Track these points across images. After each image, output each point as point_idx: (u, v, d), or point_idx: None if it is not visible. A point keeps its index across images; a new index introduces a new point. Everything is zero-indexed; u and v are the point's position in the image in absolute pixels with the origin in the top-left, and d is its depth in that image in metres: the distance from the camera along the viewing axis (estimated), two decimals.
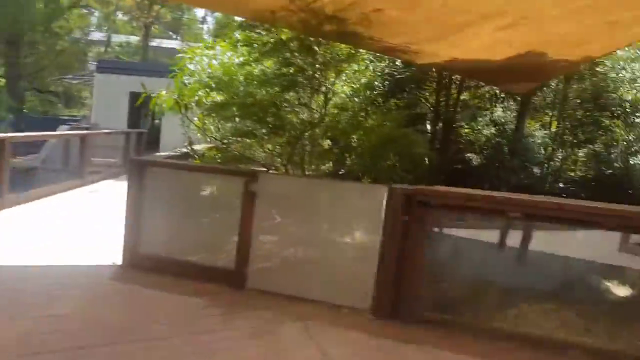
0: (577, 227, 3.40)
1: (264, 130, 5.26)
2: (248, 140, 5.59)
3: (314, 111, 5.64)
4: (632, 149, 11.11)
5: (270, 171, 5.32)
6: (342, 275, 3.91)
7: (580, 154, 15.13)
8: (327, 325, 3.59)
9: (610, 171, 13.06)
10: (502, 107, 12.08)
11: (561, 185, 14.00)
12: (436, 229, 4.90)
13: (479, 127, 11.66)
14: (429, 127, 10.77)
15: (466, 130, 11.72)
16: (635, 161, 9.99)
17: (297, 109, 5.31)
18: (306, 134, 5.85)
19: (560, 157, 14.79)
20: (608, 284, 4.70)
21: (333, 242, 4.03)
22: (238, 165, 5.37)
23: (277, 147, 5.84)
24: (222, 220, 4.49)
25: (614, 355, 3.33)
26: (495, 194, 3.65)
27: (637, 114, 10.76)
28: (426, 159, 10.42)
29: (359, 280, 3.83)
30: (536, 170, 13.42)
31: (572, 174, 14.84)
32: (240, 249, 4.22)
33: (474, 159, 11.43)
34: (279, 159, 6.11)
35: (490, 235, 5.18)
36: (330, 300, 3.91)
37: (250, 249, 4.17)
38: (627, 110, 11.68)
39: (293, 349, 3.21)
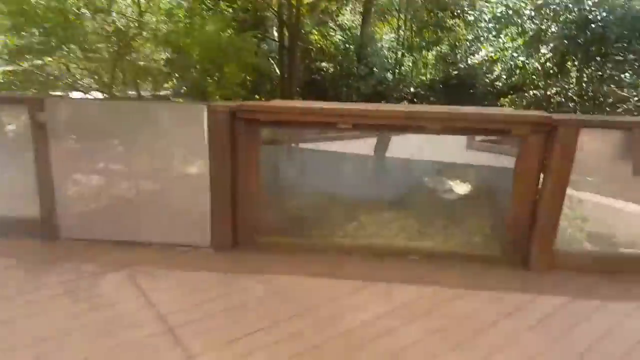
0: (404, 133, 3.37)
1: (62, 45, 4.31)
2: (46, 59, 4.58)
3: (130, 19, 4.78)
4: (472, 49, 11.93)
5: (74, 95, 4.46)
6: (174, 210, 3.51)
7: (429, 56, 16.01)
8: (159, 269, 3.23)
9: (455, 72, 14.06)
10: (349, 11, 11.94)
11: (412, 90, 14.82)
12: (281, 145, 4.66)
13: (328, 33, 11.48)
14: (275, 34, 10.27)
15: (316, 37, 11.47)
16: (473, 61, 10.77)
17: (107, 18, 4.41)
18: (130, 46, 4.99)
19: (410, 61, 15.47)
20: (448, 184, 4.96)
21: (158, 175, 3.54)
22: (34, 91, 4.40)
23: (89, 65, 4.92)
24: (15, 160, 3.68)
25: (448, 255, 3.53)
26: (322, 104, 3.43)
27: (470, 12, 11.36)
28: (277, 70, 10.02)
29: (194, 214, 3.47)
30: (389, 76, 13.90)
31: (423, 77, 15.76)
32: (42, 193, 3.53)
33: (327, 67, 11.37)
34: (96, 79, 5.21)
35: (342, 146, 5.09)
36: (164, 240, 3.53)
37: (55, 192, 3.51)
38: (465, 9, 12.31)
39: (114, 303, 2.82)
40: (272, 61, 10.32)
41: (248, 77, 9.06)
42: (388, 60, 13.12)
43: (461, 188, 4.89)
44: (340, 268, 3.31)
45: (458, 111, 3.22)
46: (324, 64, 11.20)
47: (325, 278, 3.15)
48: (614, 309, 2.99)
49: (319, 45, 11.45)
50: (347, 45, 11.37)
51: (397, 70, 14.33)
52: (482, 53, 9.98)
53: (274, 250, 3.49)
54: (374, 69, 11.52)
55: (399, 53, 13.42)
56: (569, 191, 4.05)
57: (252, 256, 3.43)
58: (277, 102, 3.62)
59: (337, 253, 3.50)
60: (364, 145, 5.10)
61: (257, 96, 10.05)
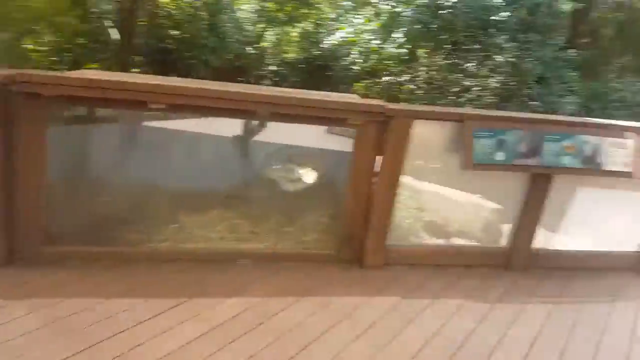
0: (233, 117, 2.99)
1: None
2: None
3: None
4: (332, 29, 11.89)
5: None
6: None
7: (293, 33, 15.75)
8: None
9: (318, 52, 14.00)
10: None
11: (275, 67, 14.46)
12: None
13: None
14: None
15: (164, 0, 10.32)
16: (331, 41, 10.67)
17: None
18: None
19: (273, 36, 15.04)
20: (294, 173, 4.69)
21: None
22: None
23: None
24: None
25: (281, 257, 3.26)
26: (131, 78, 2.89)
27: None
28: (115, 36, 8.90)
29: None
30: (249, 50, 13.33)
31: (287, 55, 15.49)
32: None
33: (179, 36, 10.31)
34: None
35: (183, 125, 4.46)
36: None
37: None
38: None
39: None
40: (111, 24, 9.12)
41: (78, 42, 7.93)
42: (248, 33, 12.54)
43: (307, 177, 4.66)
44: (152, 283, 2.83)
45: (288, 96, 2.92)
46: (174, 31, 10.19)
47: (129, 297, 2.64)
48: (442, 306, 2.99)
49: (167, 10, 10.37)
50: (196, 12, 10.43)
51: (258, 45, 13.83)
52: (341, 34, 9.93)
53: (68, 263, 2.86)
54: (228, 41, 10.81)
55: (260, 26, 12.91)
56: (410, 181, 4.08)
57: (35, 273, 2.74)
58: (54, 74, 2.96)
59: (150, 264, 3.00)
60: (218, 125, 4.55)
61: (94, 65, 8.88)
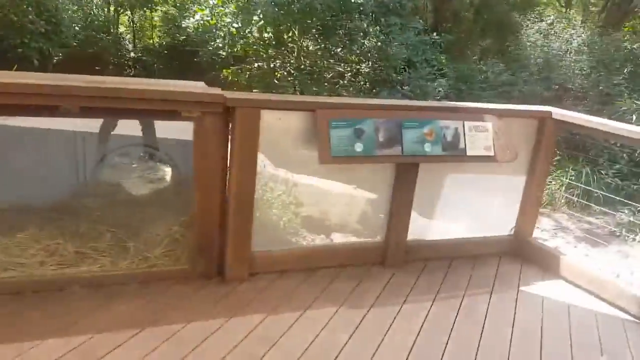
0: (25, 115, 2.44)
1: None
2: None
3: None
4: (194, 11, 11.21)
5: None
6: None
7: (154, 17, 14.76)
8: None
9: (184, 37, 13.27)
10: None
11: (134, 55, 13.44)
12: None
13: None
14: None
15: None
16: (188, 25, 10.04)
17: None
18: None
19: (130, 21, 13.93)
20: (144, 172, 4.16)
21: None
22: None
23: None
24: None
25: (119, 278, 2.82)
26: None
27: None
28: None
29: None
30: (102, 37, 12.15)
31: (150, 41, 14.49)
32: None
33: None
34: None
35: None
36: None
37: None
38: None
39: None
40: None
41: None
42: (96, 18, 11.43)
43: (156, 177, 4.14)
44: None
45: (101, 86, 2.44)
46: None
47: None
48: (312, 319, 2.75)
49: None
50: None
51: (113, 31, 12.78)
52: (197, 17, 9.36)
53: None
54: (67, 26, 9.65)
55: (111, 10, 11.82)
56: (285, 174, 3.78)
57: None
58: None
59: None
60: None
61: None
